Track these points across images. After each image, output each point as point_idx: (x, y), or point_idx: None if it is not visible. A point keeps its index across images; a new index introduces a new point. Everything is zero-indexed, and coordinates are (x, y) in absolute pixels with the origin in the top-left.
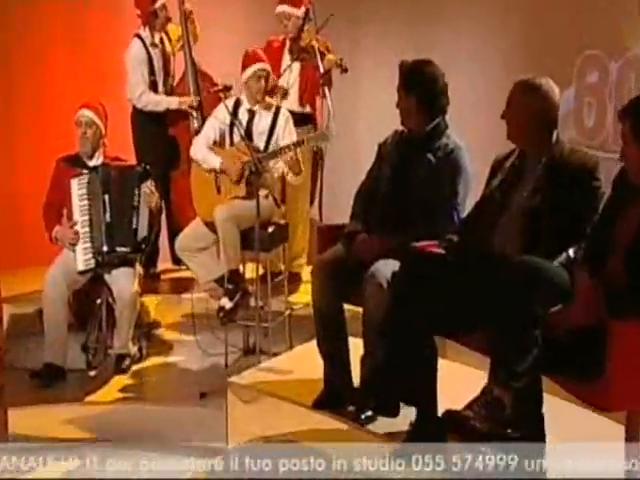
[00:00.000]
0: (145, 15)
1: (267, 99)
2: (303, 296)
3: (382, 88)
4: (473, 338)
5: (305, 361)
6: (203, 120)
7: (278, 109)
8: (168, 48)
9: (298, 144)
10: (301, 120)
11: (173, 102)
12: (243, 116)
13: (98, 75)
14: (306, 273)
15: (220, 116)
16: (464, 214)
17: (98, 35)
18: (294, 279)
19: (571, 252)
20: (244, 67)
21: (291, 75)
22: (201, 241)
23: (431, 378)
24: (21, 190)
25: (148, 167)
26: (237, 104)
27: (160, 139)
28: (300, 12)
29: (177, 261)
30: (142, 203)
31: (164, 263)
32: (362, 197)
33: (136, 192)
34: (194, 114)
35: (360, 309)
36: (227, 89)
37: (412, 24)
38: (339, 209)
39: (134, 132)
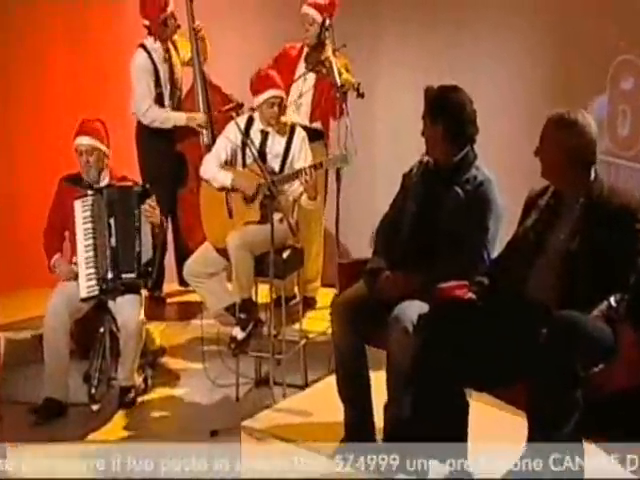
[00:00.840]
0: (155, 25)
1: (281, 118)
2: (319, 323)
3: (401, 90)
4: (507, 390)
5: (324, 401)
6: (213, 136)
7: (293, 128)
8: (175, 59)
9: (315, 167)
10: (311, 136)
11: (181, 119)
12: (256, 136)
13: (99, 76)
14: (321, 297)
15: (232, 135)
16: (494, 253)
17: (99, 35)
18: (308, 303)
19: (612, 301)
20: (256, 92)
21: (304, 84)
22: (211, 267)
23: (461, 431)
24: (19, 204)
25: (147, 186)
26: (250, 122)
27: (167, 155)
28: (321, 18)
29: (184, 283)
30: (143, 223)
31: (170, 284)
32: (385, 232)
33: (136, 212)
34: (204, 131)
35: (383, 352)
36: (239, 107)
37: (432, 25)
38: (354, 226)
39: (139, 147)
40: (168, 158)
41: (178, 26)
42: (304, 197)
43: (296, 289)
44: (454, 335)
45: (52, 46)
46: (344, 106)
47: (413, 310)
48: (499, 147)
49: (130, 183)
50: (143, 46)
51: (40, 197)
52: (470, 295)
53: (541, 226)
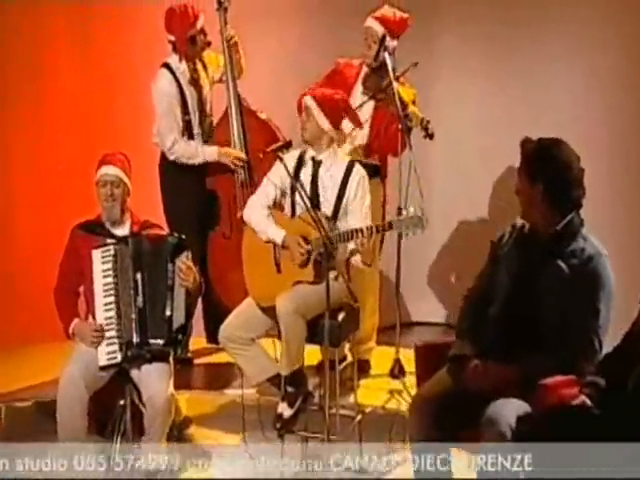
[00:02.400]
0: (181, 42)
1: (337, 150)
2: (375, 394)
3: (460, 101)
4: None
5: None
6: (251, 172)
7: (351, 165)
8: (204, 79)
9: (383, 228)
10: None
11: (212, 154)
12: (307, 167)
13: (106, 92)
14: (376, 360)
15: (278, 179)
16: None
17: (106, 46)
18: (362, 367)
19: None
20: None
21: (360, 112)
22: (253, 330)
23: None
24: (17, 239)
25: (184, 237)
26: (301, 157)
27: (196, 193)
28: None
29: (214, 339)
30: (177, 282)
31: (196, 337)
32: (472, 310)
33: (170, 268)
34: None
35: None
36: (286, 146)
37: (506, 24)
38: (414, 276)
39: (163, 183)
40: (197, 196)
41: (208, 44)
42: (357, 258)
43: (347, 349)
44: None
45: (53, 58)
46: (407, 141)
47: (510, 411)
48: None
49: (160, 231)
50: (167, 65)
51: (39, 241)
52: (582, 399)
53: None
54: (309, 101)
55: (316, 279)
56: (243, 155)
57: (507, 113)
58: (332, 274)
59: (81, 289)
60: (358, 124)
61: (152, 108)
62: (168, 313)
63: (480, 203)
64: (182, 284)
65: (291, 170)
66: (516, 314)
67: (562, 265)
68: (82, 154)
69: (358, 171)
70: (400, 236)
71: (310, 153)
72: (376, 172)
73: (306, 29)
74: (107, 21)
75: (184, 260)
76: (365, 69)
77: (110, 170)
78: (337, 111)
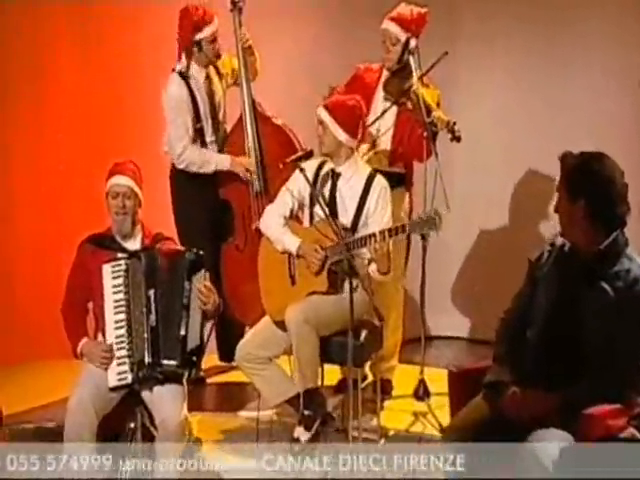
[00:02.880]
0: (184, 42)
1: (358, 160)
2: (398, 416)
3: (482, 101)
4: None
5: None
6: (265, 182)
7: (372, 176)
8: (217, 85)
9: (395, 231)
10: (389, 181)
11: (224, 162)
12: (326, 180)
13: (112, 96)
14: (398, 378)
15: (297, 189)
16: None
17: (111, 47)
18: (384, 388)
19: None
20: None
21: (383, 118)
22: (271, 348)
23: None
24: (17, 244)
25: (202, 253)
26: (320, 167)
27: (208, 203)
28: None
29: (226, 357)
30: (194, 301)
31: (208, 355)
32: (509, 334)
33: (186, 286)
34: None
35: None
36: (307, 156)
37: (525, 22)
38: (433, 288)
39: (174, 193)
40: (210, 207)
41: (218, 56)
42: (372, 267)
43: (367, 367)
44: None
45: (54, 58)
46: (432, 147)
47: (552, 442)
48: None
49: (173, 245)
50: (179, 71)
51: (40, 248)
52: (631, 431)
53: None
54: (322, 113)
55: (330, 289)
56: (253, 167)
57: (527, 113)
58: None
59: (90, 305)
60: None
61: (161, 113)
62: (182, 333)
63: (501, 209)
64: (202, 307)
65: (310, 180)
66: (557, 338)
67: (606, 287)
68: (83, 155)
69: (379, 182)
70: (425, 249)
71: (329, 165)
72: (401, 180)
73: (321, 29)
74: (111, 21)
75: (203, 280)
76: (385, 73)
77: (121, 180)
78: (353, 119)
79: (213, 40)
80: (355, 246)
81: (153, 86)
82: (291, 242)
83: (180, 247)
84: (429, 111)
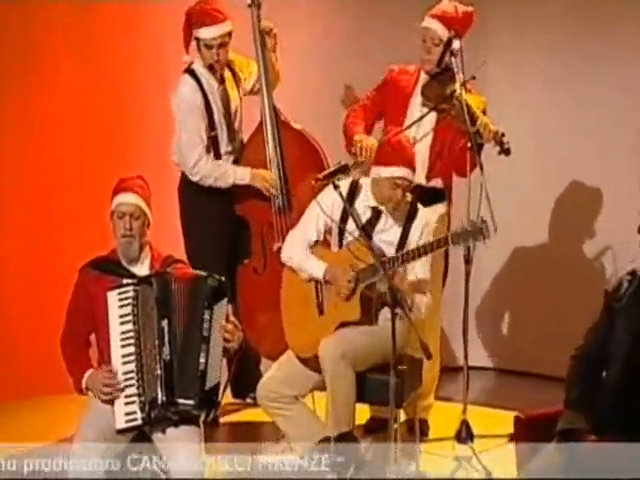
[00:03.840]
0: (185, 36)
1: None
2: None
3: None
4: None
5: None
6: (289, 197)
7: (414, 211)
8: (234, 90)
9: (438, 245)
10: (427, 199)
11: (244, 175)
12: (362, 212)
13: (110, 100)
14: (436, 420)
15: (329, 207)
16: None
17: (108, 45)
18: (421, 429)
19: None
20: (382, 162)
21: (420, 127)
22: (297, 386)
23: None
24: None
25: (223, 279)
26: (354, 190)
27: (222, 220)
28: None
29: (240, 393)
30: (214, 333)
31: None
32: (583, 374)
33: (206, 316)
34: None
35: None
36: (343, 171)
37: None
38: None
39: (183, 209)
40: (224, 224)
41: (219, 65)
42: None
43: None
44: None
45: (47, 54)
46: (477, 160)
47: None
48: None
49: (186, 269)
50: (191, 72)
51: (30, 283)
52: None
53: None
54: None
55: (364, 319)
56: (275, 180)
57: (556, 109)
58: (388, 314)
59: (92, 337)
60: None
61: (164, 115)
62: (201, 368)
63: (535, 218)
64: (226, 344)
65: (338, 205)
66: (639, 378)
67: None
68: (77, 156)
69: (422, 218)
70: (469, 273)
71: (367, 198)
72: (439, 197)
73: (335, 20)
74: (108, 16)
75: (225, 311)
76: (424, 76)
77: (130, 199)
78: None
79: (222, 45)
80: (393, 264)
81: (154, 85)
82: (316, 267)
83: (198, 272)
84: (474, 119)
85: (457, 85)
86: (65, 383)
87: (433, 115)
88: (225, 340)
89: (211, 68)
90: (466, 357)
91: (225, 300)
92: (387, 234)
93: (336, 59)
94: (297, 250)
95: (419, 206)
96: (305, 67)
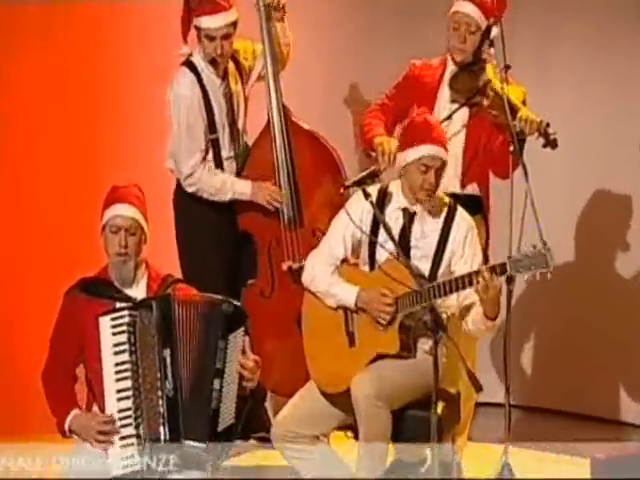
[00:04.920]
0: (182, 25)
1: (437, 193)
2: None
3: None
4: None
5: None
6: (300, 208)
7: (452, 212)
8: (236, 84)
9: (494, 272)
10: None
11: (244, 190)
12: (394, 219)
13: (86, 93)
14: (470, 460)
15: (356, 215)
16: None
17: (85, 39)
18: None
19: None
20: (408, 144)
21: (449, 128)
22: (319, 425)
23: None
24: None
25: (239, 304)
26: (383, 197)
27: (224, 235)
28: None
29: (245, 432)
30: (230, 367)
31: None
32: None
33: (221, 345)
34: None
35: None
36: (373, 176)
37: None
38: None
39: (179, 222)
40: (226, 240)
41: (226, 56)
42: (476, 314)
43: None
44: None
45: (15, 51)
46: (519, 158)
47: None
48: None
49: (188, 291)
50: (190, 65)
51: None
52: None
53: None
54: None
55: (403, 351)
56: (280, 194)
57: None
58: (425, 345)
59: (80, 369)
60: None
61: (151, 114)
62: (213, 406)
63: (566, 235)
64: (245, 384)
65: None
66: None
67: None
68: (57, 160)
69: (463, 220)
70: (511, 294)
71: (399, 199)
72: (474, 204)
73: (339, 16)
74: (84, 10)
75: (242, 342)
76: (452, 68)
77: (126, 211)
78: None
79: (215, 37)
80: (439, 292)
81: (136, 82)
82: (347, 292)
83: (210, 295)
84: (514, 112)
85: (490, 75)
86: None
87: (464, 111)
88: (243, 378)
89: (213, 62)
90: (507, 390)
91: (242, 330)
92: (422, 247)
93: (340, 55)
94: (322, 271)
95: (458, 207)
96: (308, 64)
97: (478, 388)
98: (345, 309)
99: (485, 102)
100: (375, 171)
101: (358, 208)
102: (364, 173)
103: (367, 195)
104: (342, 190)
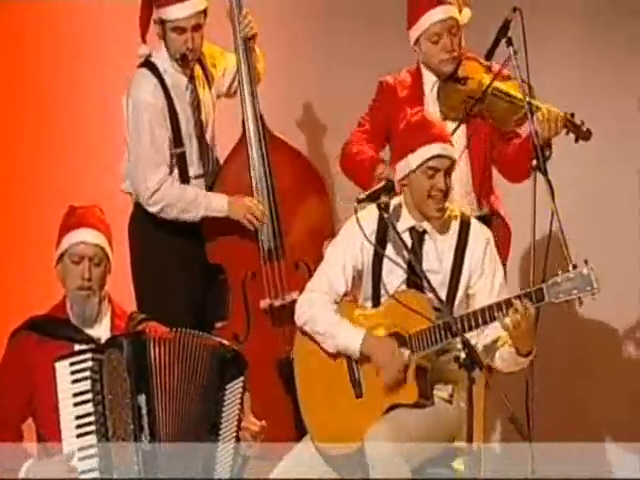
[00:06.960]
0: (140, 20)
1: (447, 205)
2: None
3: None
4: None
5: None
6: (280, 232)
7: (466, 225)
8: (205, 92)
9: (530, 298)
10: None
11: (220, 205)
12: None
13: (34, 101)
14: None
15: (356, 243)
16: None
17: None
18: None
19: None
20: (407, 150)
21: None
22: None
23: None
24: None
25: (237, 349)
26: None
27: (189, 267)
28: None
29: None
30: (228, 423)
31: None
32: None
33: (217, 397)
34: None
35: None
36: (388, 190)
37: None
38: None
39: (135, 252)
40: (191, 272)
41: (191, 51)
42: (504, 350)
43: None
44: None
45: None
46: (540, 163)
47: None
48: None
49: (160, 330)
50: (150, 65)
51: None
52: None
53: None
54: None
55: (421, 399)
56: (261, 210)
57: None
58: (443, 392)
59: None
60: None
61: (110, 129)
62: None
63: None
64: (244, 445)
65: (372, 236)
66: None
67: None
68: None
69: (479, 232)
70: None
71: (407, 219)
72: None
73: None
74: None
75: (243, 401)
76: (432, 79)
77: (90, 237)
78: None
79: (186, 29)
80: (464, 326)
81: (86, 89)
82: (351, 336)
83: (205, 335)
84: (531, 111)
85: (475, 71)
86: None
87: (461, 128)
88: (240, 438)
89: (183, 59)
90: (528, 428)
91: (241, 380)
92: (438, 270)
93: (300, 71)
94: (320, 308)
95: (472, 218)
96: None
97: (525, 435)
98: (349, 360)
99: (485, 112)
100: (392, 183)
101: (359, 234)
102: (378, 186)
103: (382, 208)
104: (357, 204)
